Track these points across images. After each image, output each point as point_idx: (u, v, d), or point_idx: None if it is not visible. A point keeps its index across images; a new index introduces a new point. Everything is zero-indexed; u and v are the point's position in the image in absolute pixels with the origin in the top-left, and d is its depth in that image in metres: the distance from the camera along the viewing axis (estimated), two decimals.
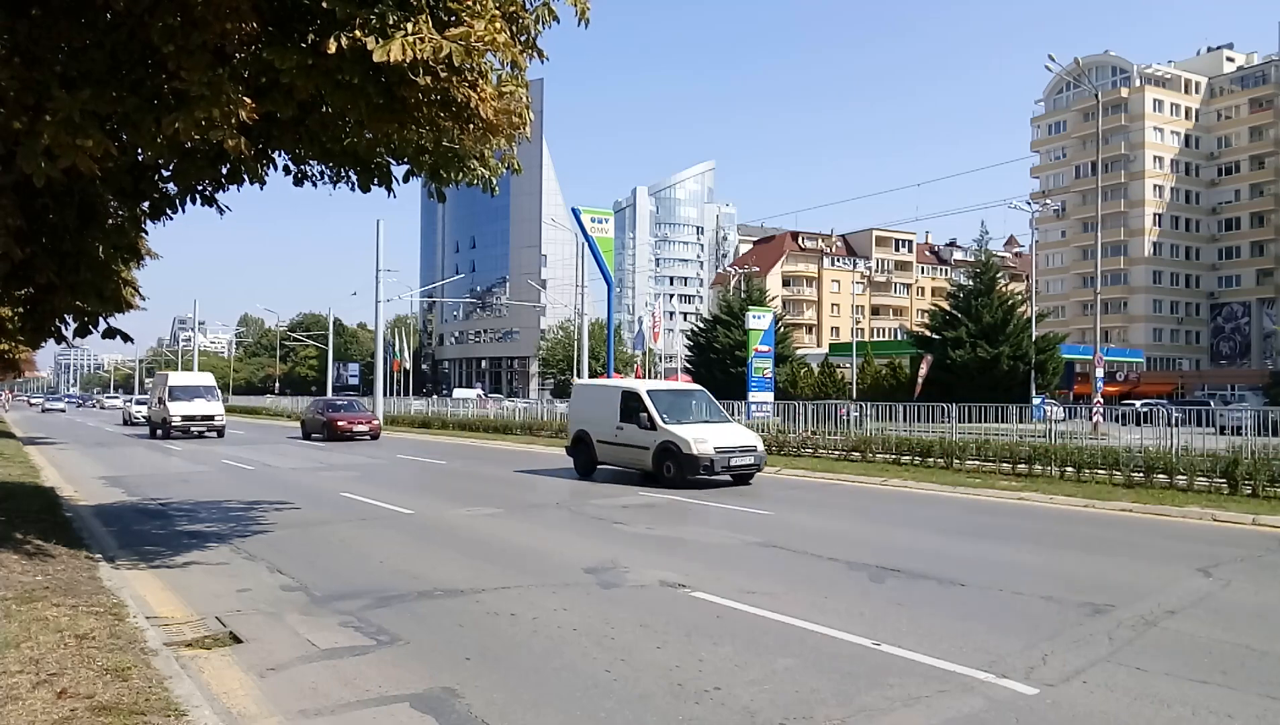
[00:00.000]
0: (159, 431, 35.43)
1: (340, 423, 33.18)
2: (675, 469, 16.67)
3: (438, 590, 8.43)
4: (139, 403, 50.40)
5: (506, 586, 8.56)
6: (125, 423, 48.33)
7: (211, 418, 35.24)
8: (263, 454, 26.07)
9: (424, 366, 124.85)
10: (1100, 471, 17.13)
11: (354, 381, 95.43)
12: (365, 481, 18.59)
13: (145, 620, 6.96)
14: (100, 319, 11.69)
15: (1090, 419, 28.89)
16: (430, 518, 13.42)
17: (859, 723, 5.11)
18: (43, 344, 14.30)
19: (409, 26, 6.26)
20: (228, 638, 6.87)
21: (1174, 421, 19.29)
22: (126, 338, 12.15)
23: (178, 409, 34.44)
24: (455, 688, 5.68)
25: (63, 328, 12.33)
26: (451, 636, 6.91)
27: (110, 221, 10.30)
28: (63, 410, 78.99)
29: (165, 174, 9.28)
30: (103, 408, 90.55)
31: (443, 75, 6.78)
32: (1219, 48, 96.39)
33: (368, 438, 33.36)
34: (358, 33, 6.25)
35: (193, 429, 34.73)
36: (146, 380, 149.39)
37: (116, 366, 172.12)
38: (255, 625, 7.21)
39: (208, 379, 38.58)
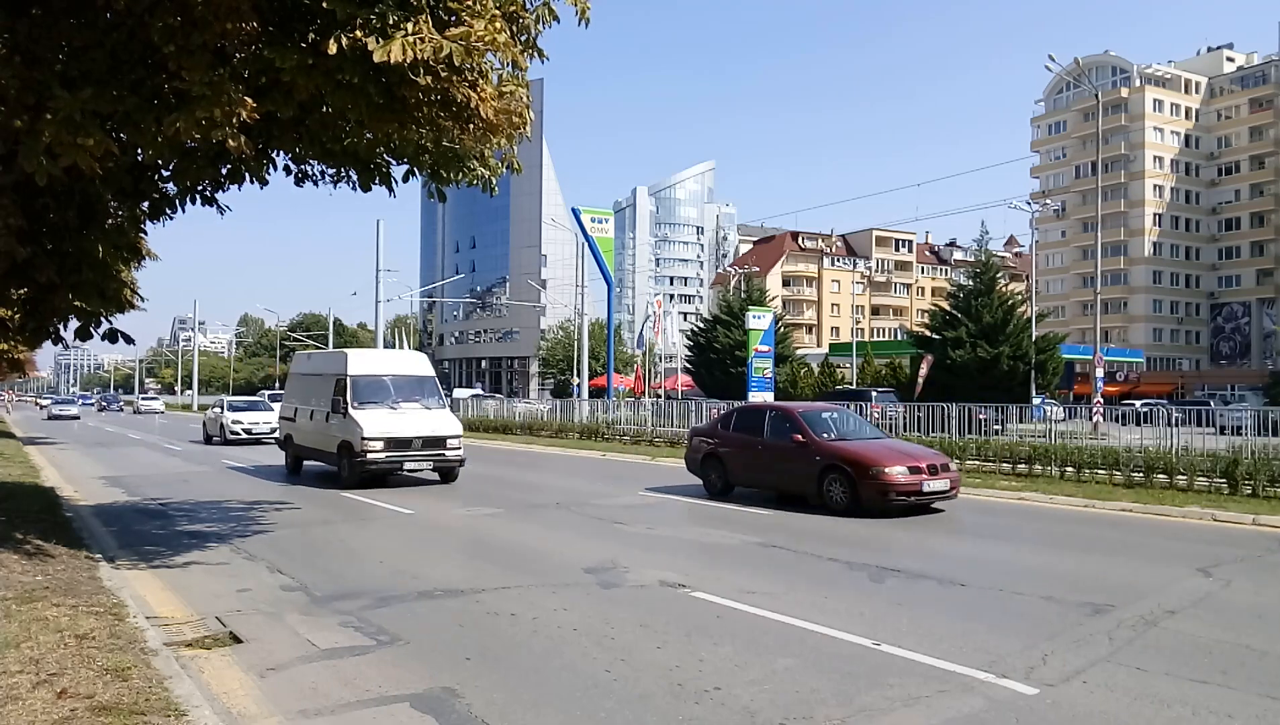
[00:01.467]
0: (323, 464, 18.36)
1: (899, 475, 12.90)
2: None
3: (438, 590, 8.43)
4: (236, 408, 30.53)
5: (506, 586, 8.56)
6: (211, 440, 29.92)
7: (442, 443, 17.25)
8: (261, 454, 26.04)
9: None
10: (1100, 471, 17.14)
11: None
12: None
13: (145, 620, 6.96)
14: (102, 319, 11.67)
15: (1090, 419, 28.88)
16: (430, 518, 13.43)
17: (859, 723, 5.11)
18: (40, 346, 14.28)
19: (409, 26, 6.27)
20: (228, 638, 6.87)
21: (1174, 421, 19.27)
22: (129, 340, 12.12)
23: (376, 425, 16.62)
24: (455, 688, 5.69)
25: (62, 328, 12.31)
26: (451, 636, 6.91)
27: (110, 221, 10.30)
28: (76, 416, 57.57)
29: (165, 174, 9.28)
30: (137, 412, 70.15)
31: (443, 75, 6.78)
32: (1219, 48, 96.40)
33: (934, 502, 13.45)
34: (358, 33, 6.26)
35: (406, 467, 16.95)
36: (148, 379, 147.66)
37: (116, 366, 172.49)
38: (255, 625, 7.21)
39: (421, 364, 19.35)
